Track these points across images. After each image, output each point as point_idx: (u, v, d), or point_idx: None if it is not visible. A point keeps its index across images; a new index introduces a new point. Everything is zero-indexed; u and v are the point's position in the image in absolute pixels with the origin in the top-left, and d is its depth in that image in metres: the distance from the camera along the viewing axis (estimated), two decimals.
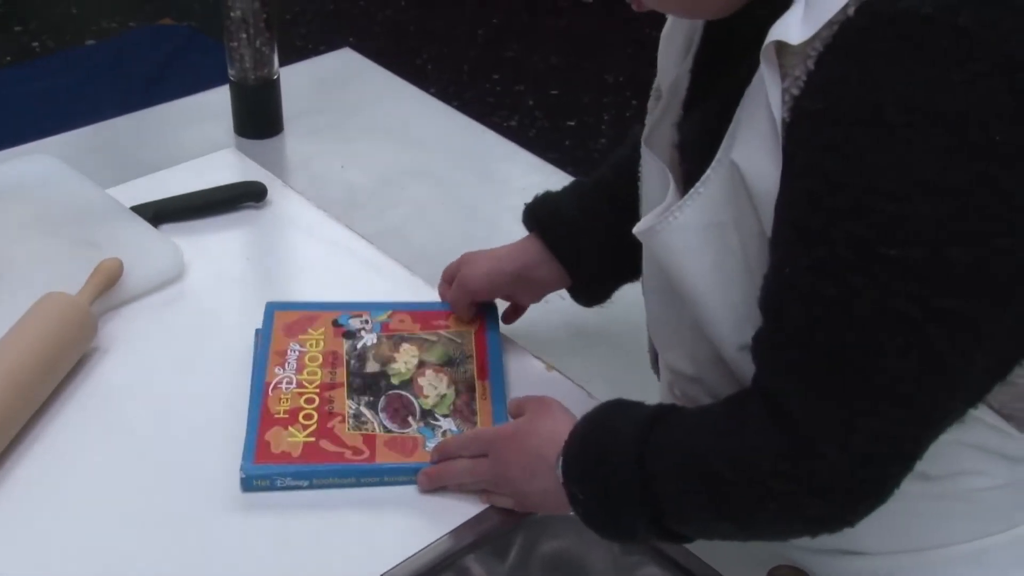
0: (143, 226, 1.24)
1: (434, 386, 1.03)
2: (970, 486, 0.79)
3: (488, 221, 1.35)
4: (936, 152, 0.65)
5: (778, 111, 0.70)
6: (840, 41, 0.67)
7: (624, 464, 0.81)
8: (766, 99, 0.71)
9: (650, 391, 1.03)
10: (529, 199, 1.36)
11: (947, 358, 0.69)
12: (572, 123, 3.08)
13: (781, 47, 0.70)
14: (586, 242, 1.04)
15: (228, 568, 0.89)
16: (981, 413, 0.77)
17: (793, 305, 0.72)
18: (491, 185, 1.42)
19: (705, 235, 0.79)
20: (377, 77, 1.64)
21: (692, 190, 0.78)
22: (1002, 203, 0.66)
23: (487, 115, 1.57)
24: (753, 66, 0.73)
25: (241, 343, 1.10)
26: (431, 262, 1.23)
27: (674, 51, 0.89)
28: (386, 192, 1.39)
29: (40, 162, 1.35)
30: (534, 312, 1.12)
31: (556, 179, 1.43)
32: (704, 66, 0.86)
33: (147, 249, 1.21)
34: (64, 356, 1.05)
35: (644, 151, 0.89)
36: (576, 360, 1.12)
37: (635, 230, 0.84)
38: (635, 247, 0.96)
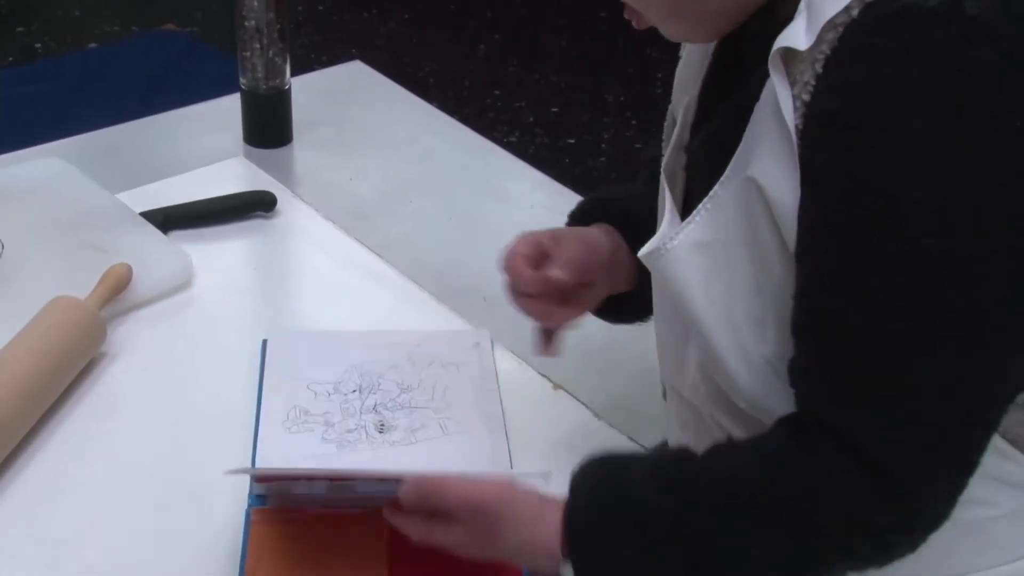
0: (152, 232, 1.25)
1: None
2: (976, 515, 0.80)
3: (495, 236, 1.35)
4: (959, 142, 0.66)
5: (791, 118, 0.70)
6: (847, 42, 0.68)
7: (661, 535, 0.74)
8: (777, 109, 0.71)
9: (657, 412, 1.04)
10: (537, 216, 1.38)
11: (996, 352, 0.69)
12: (572, 141, 3.09)
13: (789, 56, 0.71)
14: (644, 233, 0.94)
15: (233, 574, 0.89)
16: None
17: (840, 313, 0.70)
18: (498, 201, 1.43)
19: (709, 252, 0.79)
20: (387, 90, 1.65)
21: (700, 206, 0.78)
22: None
23: (487, 131, 1.57)
24: (758, 81, 0.74)
25: (248, 351, 1.11)
26: (437, 276, 1.24)
27: (687, 76, 0.90)
28: (393, 205, 1.40)
29: (50, 165, 1.35)
30: None
31: (562, 198, 1.44)
32: (711, 88, 0.86)
33: (156, 255, 1.21)
34: (72, 360, 1.05)
35: (662, 179, 0.89)
36: (582, 380, 1.12)
37: (640, 254, 0.83)
38: None
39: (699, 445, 0.93)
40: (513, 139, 3.03)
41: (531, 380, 1.11)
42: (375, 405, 1.05)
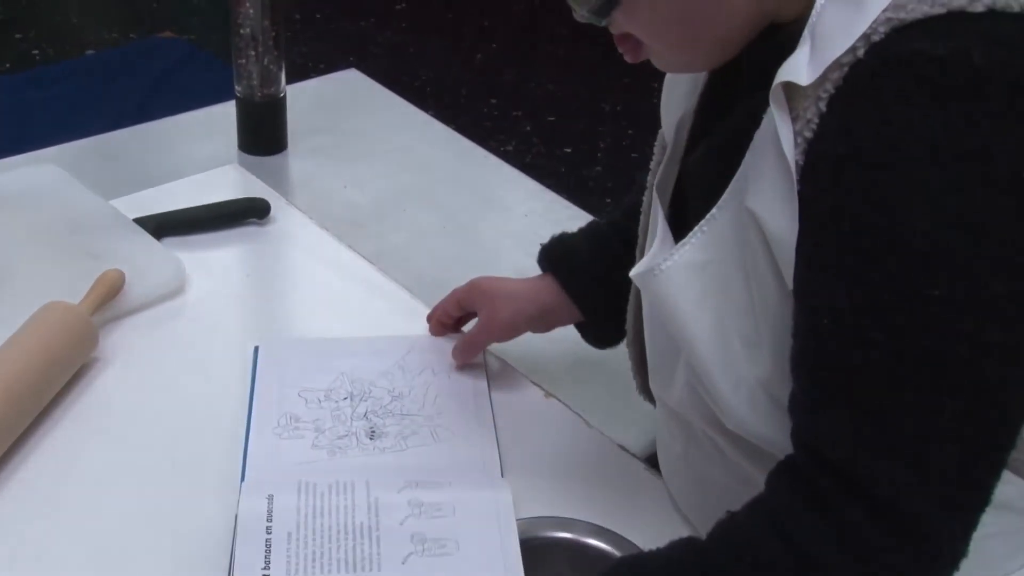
0: (145, 239, 1.25)
1: None
2: None
3: (489, 246, 1.36)
4: (965, 189, 0.65)
5: (791, 154, 0.70)
6: (852, 83, 0.68)
7: None
8: (776, 142, 0.71)
9: (648, 421, 1.04)
10: (532, 226, 1.38)
11: (1001, 394, 0.69)
12: (568, 150, 3.10)
13: (790, 89, 0.70)
14: (603, 288, 1.03)
15: None
16: None
17: (844, 357, 0.70)
18: (493, 210, 1.43)
19: (703, 273, 0.79)
20: (382, 98, 1.66)
21: (696, 228, 0.78)
22: None
23: (484, 140, 1.58)
24: (757, 105, 0.73)
25: (240, 358, 1.11)
26: (431, 285, 1.24)
27: (677, 96, 0.89)
28: (388, 213, 1.40)
29: (44, 172, 1.35)
30: (533, 340, 1.13)
31: (558, 207, 1.44)
32: (709, 106, 0.86)
33: (149, 262, 1.21)
34: (64, 365, 1.05)
35: (653, 197, 0.89)
36: (574, 388, 1.12)
37: (632, 273, 0.84)
38: None
39: (689, 455, 0.94)
40: (509, 148, 3.04)
41: (523, 388, 1.11)
42: (366, 412, 1.05)
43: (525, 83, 3.39)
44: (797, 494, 0.74)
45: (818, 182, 0.69)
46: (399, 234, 1.36)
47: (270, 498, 0.92)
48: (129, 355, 1.12)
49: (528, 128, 3.19)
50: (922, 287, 0.66)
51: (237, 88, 1.44)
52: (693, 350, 0.81)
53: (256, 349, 1.11)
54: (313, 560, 0.88)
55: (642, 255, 0.90)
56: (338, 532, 0.90)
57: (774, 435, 0.80)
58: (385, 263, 1.28)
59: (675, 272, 0.79)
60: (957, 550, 0.72)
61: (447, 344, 1.13)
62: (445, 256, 1.33)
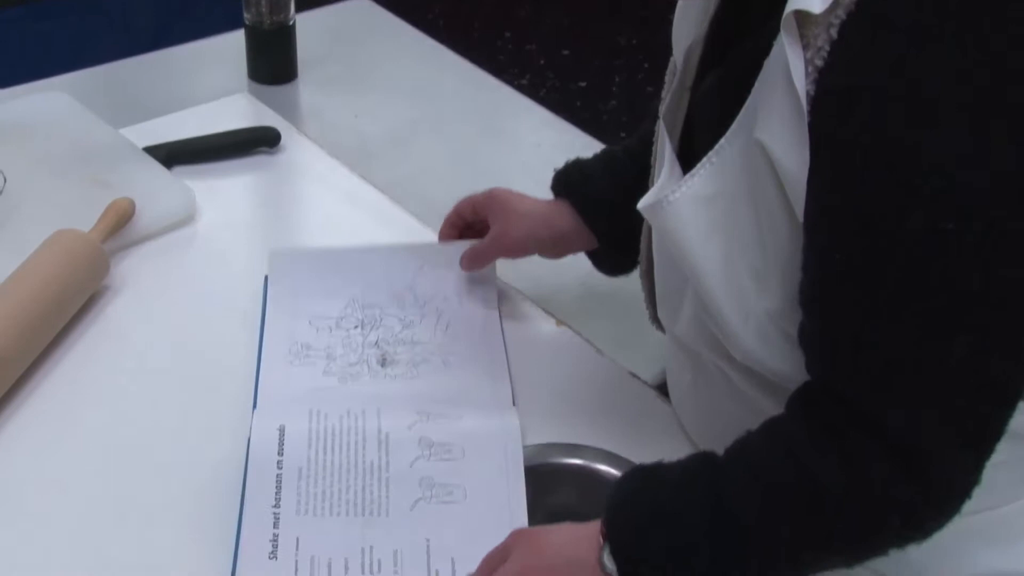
0: (156, 167, 1.24)
1: None
2: None
3: (500, 175, 1.34)
4: (982, 120, 0.63)
5: (802, 85, 0.68)
6: (864, 9, 0.65)
7: (700, 523, 0.74)
8: (786, 71, 0.68)
9: (660, 350, 1.04)
10: (542, 155, 1.37)
11: (1015, 330, 0.68)
12: (583, 84, 3.06)
13: (801, 16, 0.68)
14: (618, 215, 1.01)
15: (234, 507, 0.90)
16: None
17: (857, 292, 0.69)
18: (504, 140, 1.42)
19: (712, 205, 0.77)
20: (393, 28, 1.64)
21: (704, 160, 0.77)
22: None
23: (498, 73, 1.56)
24: (770, 33, 0.71)
25: (251, 286, 1.10)
26: (442, 214, 1.22)
27: (688, 22, 0.87)
28: (399, 143, 1.39)
29: (53, 100, 1.34)
30: (544, 268, 1.12)
31: (569, 136, 1.43)
32: (720, 33, 0.84)
33: (159, 190, 1.20)
34: (75, 292, 1.05)
35: (660, 126, 0.88)
36: (585, 317, 1.12)
37: (640, 205, 0.82)
38: None
39: (697, 385, 0.93)
40: (524, 81, 3.01)
41: (535, 317, 1.11)
42: (377, 340, 1.05)
43: (540, 16, 3.35)
44: (813, 420, 0.74)
45: (829, 114, 0.67)
46: (410, 164, 1.35)
47: (281, 429, 0.92)
48: (140, 283, 1.11)
49: (542, 62, 3.16)
50: (936, 222, 0.65)
51: (246, 15, 1.42)
52: (701, 283, 0.80)
53: (266, 279, 1.10)
54: (323, 499, 0.89)
55: (653, 186, 0.89)
56: (348, 471, 0.91)
57: (783, 367, 0.80)
58: (396, 193, 1.27)
59: (683, 204, 0.78)
60: (965, 486, 0.72)
61: (459, 251, 1.11)
62: (456, 186, 1.31)
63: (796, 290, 0.74)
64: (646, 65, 3.10)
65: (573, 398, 1.02)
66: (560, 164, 1.09)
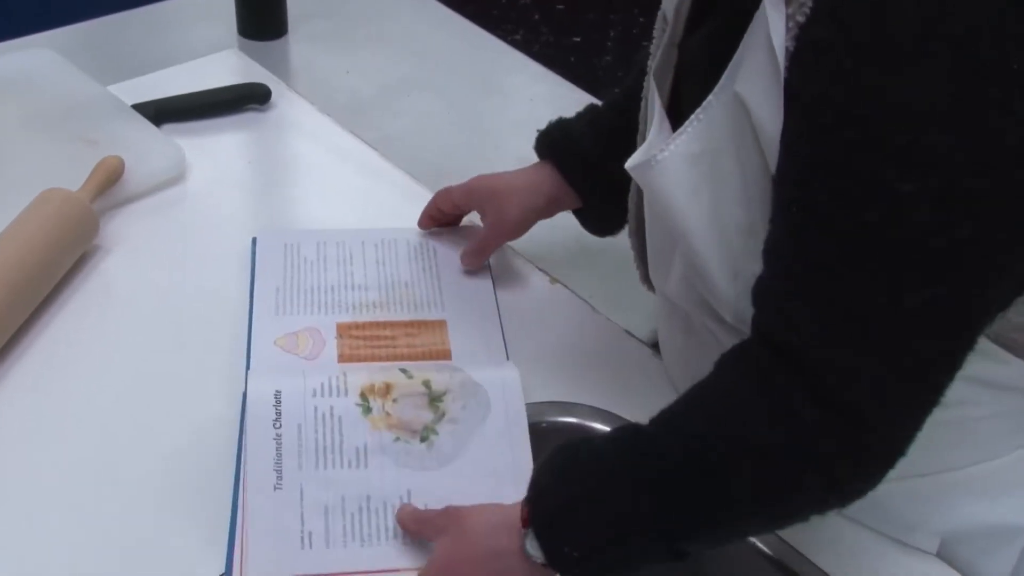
0: (145, 125, 1.23)
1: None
2: (960, 415, 0.78)
3: (492, 131, 1.34)
4: (950, 79, 0.63)
5: (780, 40, 0.67)
6: None
7: (618, 494, 0.73)
8: (767, 26, 0.68)
9: (653, 306, 1.03)
10: (536, 111, 1.35)
11: (968, 291, 0.67)
12: (577, 39, 3.04)
13: None
14: (602, 174, 1.01)
15: (227, 466, 0.89)
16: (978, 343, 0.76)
17: (812, 243, 0.68)
18: (497, 95, 1.40)
19: (699, 163, 0.76)
20: None
21: (692, 116, 0.76)
22: (1020, 131, 0.63)
23: (491, 28, 1.54)
24: None
25: (242, 246, 1.10)
26: (435, 170, 1.22)
27: None
28: (390, 99, 1.37)
29: (38, 55, 1.32)
30: (538, 225, 1.11)
31: (562, 90, 1.41)
32: None
33: (148, 148, 1.19)
34: (65, 252, 1.04)
35: (649, 83, 0.86)
36: (579, 274, 1.11)
37: (628, 165, 0.81)
38: None
39: (689, 345, 0.93)
40: (517, 37, 2.98)
41: (528, 274, 1.10)
42: (373, 302, 1.04)
43: None
44: (741, 376, 0.73)
45: (805, 70, 0.66)
46: (402, 120, 1.34)
47: (277, 393, 0.91)
48: (130, 242, 1.10)
49: (537, 16, 3.13)
50: (895, 181, 0.64)
51: None
52: (689, 243, 0.79)
53: (254, 241, 1.09)
54: (325, 453, 0.88)
55: (641, 144, 0.88)
56: (348, 422, 0.89)
57: None
58: (388, 149, 1.26)
59: (671, 163, 0.77)
60: (895, 447, 0.70)
61: (449, 233, 1.11)
62: (449, 142, 1.31)
63: None
64: (641, 20, 3.07)
65: (567, 356, 1.02)
66: (552, 120, 1.07)
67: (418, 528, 0.83)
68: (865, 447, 0.70)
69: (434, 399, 0.92)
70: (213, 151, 1.24)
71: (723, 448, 0.71)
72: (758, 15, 0.70)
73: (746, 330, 0.80)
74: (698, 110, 0.75)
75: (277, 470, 0.86)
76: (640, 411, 0.87)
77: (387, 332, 1.01)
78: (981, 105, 0.63)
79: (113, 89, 1.28)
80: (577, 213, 1.07)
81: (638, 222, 0.95)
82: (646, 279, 0.99)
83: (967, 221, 0.65)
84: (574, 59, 2.94)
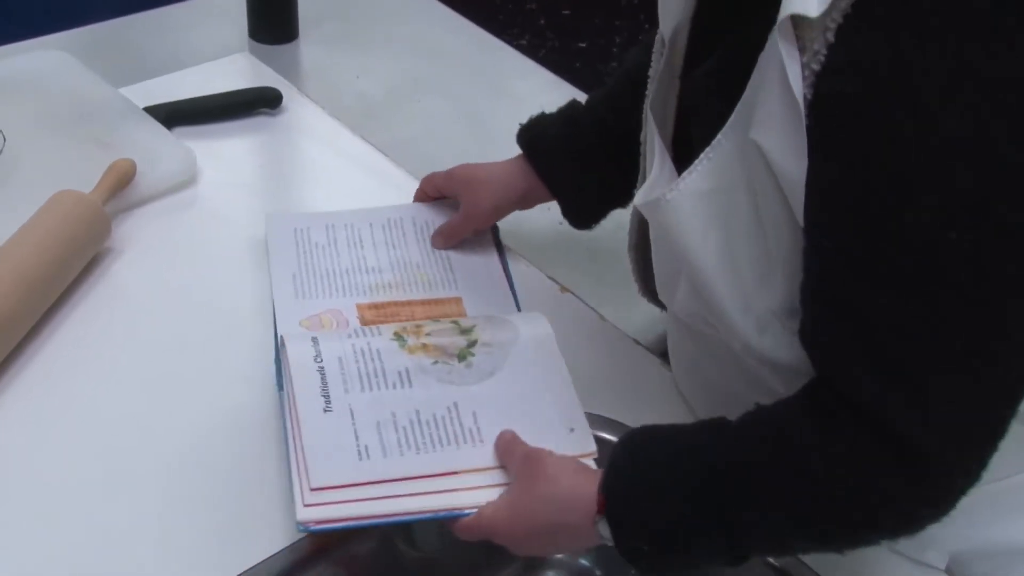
0: (156, 128, 1.23)
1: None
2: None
3: (502, 137, 1.33)
4: (982, 126, 0.62)
5: (799, 88, 0.66)
6: (863, 11, 0.64)
7: (690, 500, 0.75)
8: (782, 75, 0.67)
9: (663, 316, 1.04)
10: None
11: (1017, 330, 0.67)
12: (583, 44, 3.04)
13: (798, 19, 0.66)
14: (572, 169, 1.04)
15: (240, 464, 0.90)
16: None
17: (858, 292, 0.68)
18: (506, 100, 1.41)
19: (711, 200, 0.76)
20: None
21: (702, 156, 0.75)
22: None
23: (497, 33, 1.54)
24: (764, 23, 0.69)
25: (253, 248, 1.10)
26: None
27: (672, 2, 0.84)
28: (400, 104, 1.38)
29: (52, 57, 1.33)
30: (548, 234, 1.12)
31: (570, 95, 1.41)
32: (707, 14, 0.82)
33: (160, 151, 1.19)
34: (77, 254, 1.05)
35: (647, 116, 0.86)
36: (589, 283, 1.11)
37: (637, 202, 0.82)
38: (626, 175, 0.96)
39: (699, 356, 0.93)
40: (523, 42, 2.99)
41: (539, 283, 1.11)
42: (382, 275, 1.07)
43: None
44: (816, 410, 0.73)
45: (828, 119, 0.66)
46: (411, 124, 1.34)
47: (314, 337, 0.93)
48: (142, 245, 1.11)
49: (542, 22, 3.13)
50: (936, 220, 0.64)
51: None
52: (699, 277, 0.79)
53: (268, 218, 1.12)
54: (369, 378, 0.90)
55: (645, 179, 0.87)
56: (386, 353, 0.91)
57: (785, 357, 0.79)
58: (397, 153, 1.27)
59: (681, 201, 0.77)
60: (963, 486, 0.71)
61: (451, 213, 1.13)
62: (458, 146, 1.31)
63: (797, 286, 0.73)
64: (647, 26, 3.07)
65: (576, 364, 1.01)
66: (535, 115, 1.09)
67: (502, 453, 0.86)
68: (933, 485, 0.71)
69: (464, 330, 0.95)
70: (224, 154, 1.24)
71: (795, 478, 0.72)
72: (764, 58, 0.70)
73: (754, 361, 0.81)
74: (707, 149, 0.75)
75: (324, 396, 0.88)
76: (647, 420, 0.87)
77: (406, 310, 1.03)
78: (1013, 144, 0.63)
79: (125, 92, 1.29)
80: (559, 201, 1.09)
81: (639, 236, 0.96)
82: (646, 292, 0.99)
83: (1012, 264, 0.65)
84: (579, 64, 2.95)
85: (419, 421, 0.87)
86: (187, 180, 1.19)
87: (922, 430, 0.69)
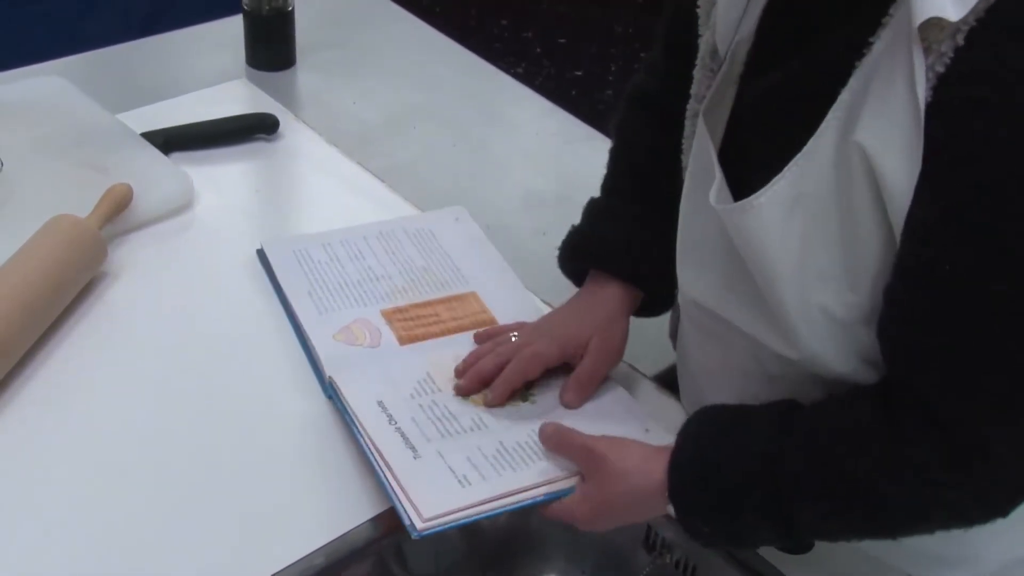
0: (153, 153, 1.24)
1: None
2: None
3: (498, 164, 1.35)
4: None
5: (923, 92, 0.65)
6: (995, 17, 0.62)
7: (754, 496, 0.77)
8: (904, 75, 0.66)
9: (659, 341, 1.04)
10: (542, 144, 1.37)
11: None
12: (579, 72, 3.06)
13: (928, 21, 0.64)
14: (650, 261, 0.98)
15: (236, 487, 0.90)
16: None
17: (952, 299, 0.69)
18: (502, 127, 1.42)
19: (797, 207, 0.75)
20: (391, 14, 1.63)
21: (791, 163, 0.74)
22: None
23: (494, 61, 1.55)
24: (855, 31, 0.69)
25: (249, 273, 1.10)
26: (440, 201, 1.23)
27: (727, 13, 0.82)
28: (397, 130, 1.39)
29: (50, 83, 1.34)
30: (543, 264, 1.11)
31: (568, 125, 1.42)
32: (773, 26, 0.80)
33: (157, 176, 1.20)
34: (73, 278, 1.05)
35: (699, 124, 0.84)
36: None
37: (717, 208, 0.79)
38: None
39: (724, 360, 0.91)
40: (520, 70, 3.00)
41: (532, 308, 1.11)
42: (393, 281, 1.09)
43: (536, 4, 3.34)
44: (881, 411, 0.75)
45: (951, 124, 0.65)
46: (408, 151, 1.35)
47: (380, 401, 0.95)
48: (138, 269, 1.11)
49: (539, 50, 3.15)
50: None
51: (244, 1, 1.42)
52: (770, 280, 0.78)
53: (260, 252, 1.12)
54: (446, 424, 0.93)
55: (687, 183, 0.87)
56: (454, 406, 0.95)
57: (838, 366, 0.79)
58: (394, 180, 1.27)
59: (767, 208, 0.75)
60: (1020, 497, 0.74)
61: (436, 216, 1.17)
62: (454, 173, 1.32)
63: (878, 290, 0.73)
64: (642, 54, 3.09)
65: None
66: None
67: (558, 447, 0.89)
68: (992, 494, 0.73)
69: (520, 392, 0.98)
70: (221, 180, 1.25)
71: (851, 470, 0.75)
72: (870, 61, 0.69)
73: (811, 367, 0.81)
74: (798, 156, 0.74)
75: (411, 448, 0.90)
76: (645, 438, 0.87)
77: (429, 310, 1.05)
78: None
79: (123, 117, 1.30)
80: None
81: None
82: (673, 335, 0.99)
83: None
84: (575, 92, 2.96)
85: (505, 449, 0.92)
86: (184, 205, 1.19)
87: (990, 444, 0.71)
